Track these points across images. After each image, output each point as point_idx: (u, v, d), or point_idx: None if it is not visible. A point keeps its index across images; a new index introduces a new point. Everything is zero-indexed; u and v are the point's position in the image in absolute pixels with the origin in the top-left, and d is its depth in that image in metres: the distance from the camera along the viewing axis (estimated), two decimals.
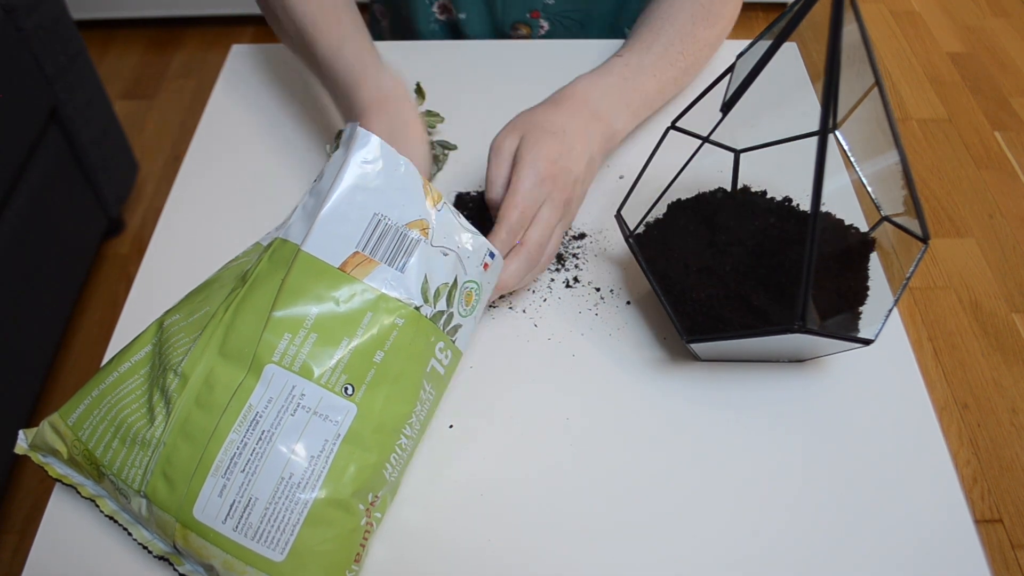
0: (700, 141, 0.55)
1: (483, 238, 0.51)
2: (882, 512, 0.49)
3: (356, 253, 0.45)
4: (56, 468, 0.48)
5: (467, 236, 0.50)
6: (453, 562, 0.47)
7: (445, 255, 0.48)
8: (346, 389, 0.44)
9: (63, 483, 0.48)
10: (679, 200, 0.57)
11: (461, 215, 0.50)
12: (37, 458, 0.48)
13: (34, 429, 0.48)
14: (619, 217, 0.57)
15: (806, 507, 0.49)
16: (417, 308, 0.46)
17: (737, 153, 0.57)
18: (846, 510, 0.49)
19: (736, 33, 0.75)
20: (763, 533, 0.48)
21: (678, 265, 0.53)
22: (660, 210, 0.58)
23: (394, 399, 0.45)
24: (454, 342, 0.49)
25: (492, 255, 0.52)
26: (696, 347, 0.53)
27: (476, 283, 0.50)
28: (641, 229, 0.57)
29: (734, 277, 0.52)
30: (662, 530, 0.48)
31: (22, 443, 0.48)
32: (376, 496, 0.45)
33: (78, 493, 0.48)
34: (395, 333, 0.45)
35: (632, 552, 0.48)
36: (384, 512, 0.47)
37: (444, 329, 0.48)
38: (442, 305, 0.48)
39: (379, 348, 0.45)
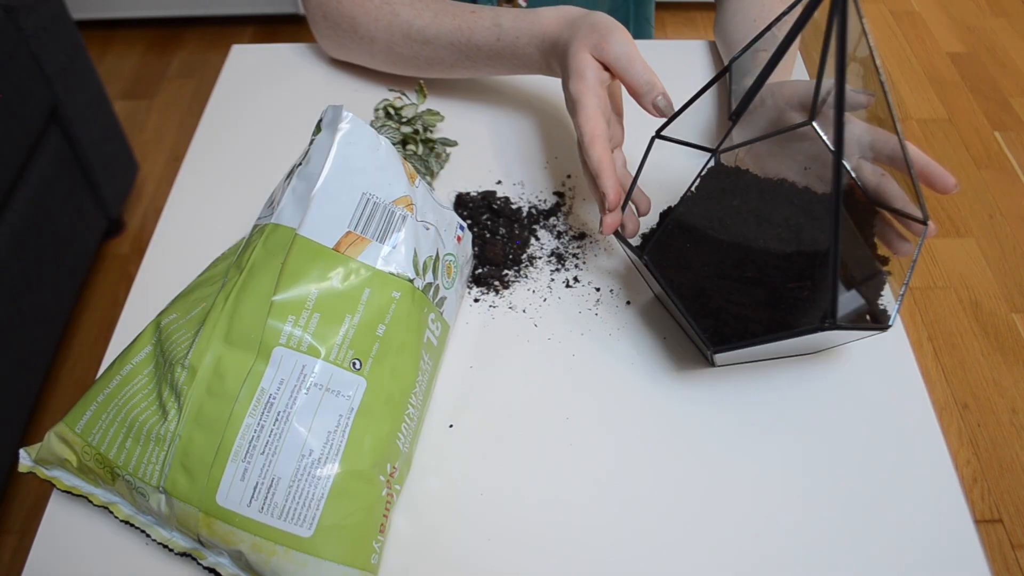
0: (708, 154, 0.55)
1: (453, 212, 0.54)
2: (882, 512, 0.49)
3: (349, 232, 0.46)
4: (64, 481, 0.47)
5: (441, 211, 0.53)
6: (453, 561, 0.47)
7: (427, 229, 0.50)
8: (354, 364, 0.45)
9: (73, 495, 0.48)
10: (682, 209, 0.57)
11: (433, 190, 0.52)
12: (43, 473, 0.48)
13: (37, 445, 0.48)
14: (618, 234, 0.56)
15: (805, 507, 0.49)
16: (411, 280, 0.48)
17: (715, 153, 0.56)
18: (846, 510, 0.49)
19: None
20: (763, 533, 0.48)
21: (693, 276, 0.52)
22: (655, 220, 0.57)
23: (399, 370, 0.47)
24: (442, 314, 0.51)
25: (462, 228, 0.55)
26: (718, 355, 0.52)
27: (453, 255, 0.53)
28: (643, 242, 0.56)
29: (753, 280, 0.51)
30: (661, 528, 0.48)
31: (26, 461, 0.48)
32: (394, 467, 0.46)
33: (90, 503, 0.48)
34: (393, 306, 0.47)
35: (631, 550, 0.48)
36: (403, 484, 0.48)
37: (433, 300, 0.50)
38: (430, 277, 0.50)
39: (380, 322, 0.46)
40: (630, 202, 0.59)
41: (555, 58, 0.63)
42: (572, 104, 0.57)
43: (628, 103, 0.68)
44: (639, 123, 0.68)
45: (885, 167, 0.52)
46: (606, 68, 0.58)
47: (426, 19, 0.68)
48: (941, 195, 0.52)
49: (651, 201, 0.59)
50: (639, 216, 0.59)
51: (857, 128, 0.53)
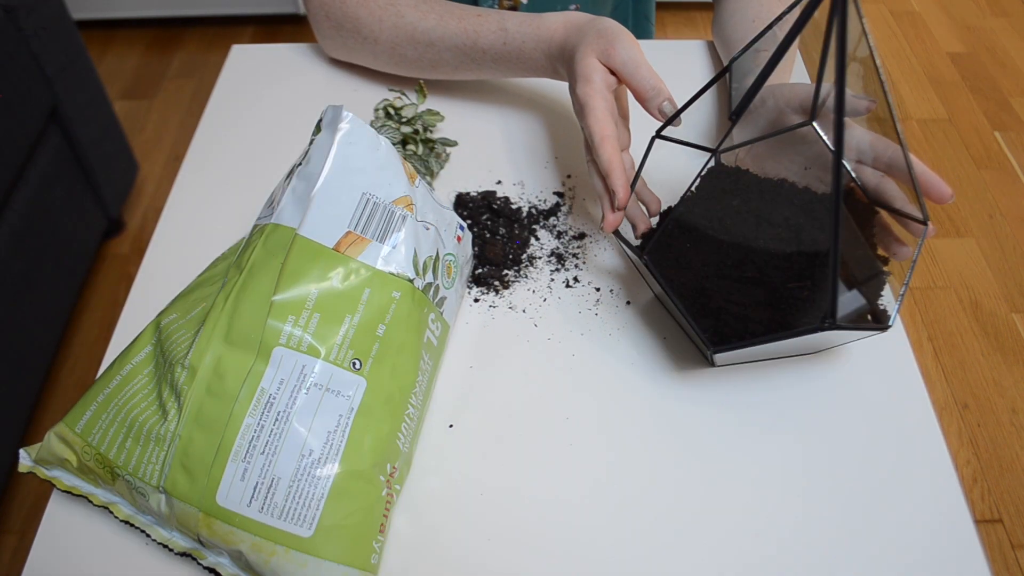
0: (708, 154, 0.55)
1: (453, 212, 0.55)
2: (882, 512, 0.49)
3: (349, 232, 0.46)
4: (64, 481, 0.48)
5: (441, 211, 0.53)
6: (453, 561, 0.47)
7: (427, 229, 0.50)
8: (354, 364, 0.45)
9: (73, 495, 0.48)
10: (682, 209, 0.57)
11: (433, 190, 0.52)
12: (43, 473, 0.48)
13: (37, 445, 0.48)
14: (617, 234, 0.56)
15: (805, 507, 0.49)
16: (411, 280, 0.48)
17: (715, 153, 0.56)
18: (846, 510, 0.49)
19: None
20: (763, 533, 0.48)
21: (693, 276, 0.52)
22: (655, 220, 0.57)
23: (399, 370, 0.47)
24: (442, 314, 0.51)
25: (462, 228, 0.55)
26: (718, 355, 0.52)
27: (453, 255, 0.53)
28: (643, 242, 0.56)
29: (753, 280, 0.51)
30: (661, 528, 0.49)
31: (26, 461, 0.48)
32: (394, 467, 0.46)
33: (90, 503, 0.48)
34: (393, 306, 0.47)
35: (631, 550, 0.48)
36: (403, 484, 0.48)
37: (433, 300, 0.50)
38: (430, 277, 0.50)
39: (380, 322, 0.46)
40: (640, 202, 0.59)
41: (561, 63, 0.63)
42: (580, 107, 0.58)
43: (632, 107, 0.68)
44: (639, 123, 0.68)
45: (883, 172, 0.53)
46: (613, 73, 0.58)
47: (431, 21, 0.68)
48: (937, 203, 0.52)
49: (661, 200, 0.59)
50: (650, 216, 0.59)
51: (856, 132, 0.53)
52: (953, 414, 1.40)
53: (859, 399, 0.54)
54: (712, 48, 0.81)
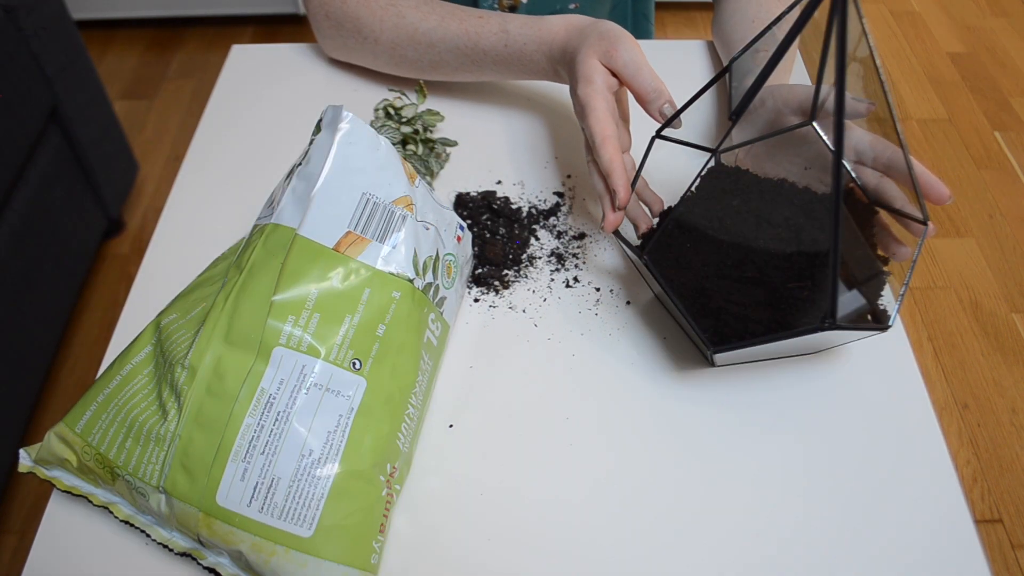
0: (708, 154, 0.55)
1: (453, 212, 0.55)
2: (882, 512, 0.49)
3: (348, 232, 0.46)
4: (64, 481, 0.48)
5: (441, 211, 0.53)
6: (453, 561, 0.47)
7: (427, 229, 0.50)
8: (354, 364, 0.45)
9: (73, 495, 0.48)
10: (682, 209, 0.57)
11: (433, 190, 0.52)
12: (43, 473, 0.48)
13: (37, 445, 0.48)
14: (618, 234, 0.56)
15: (806, 507, 0.49)
16: (411, 280, 0.48)
17: (715, 153, 0.56)
18: (846, 510, 0.49)
19: None
20: (763, 533, 0.48)
21: (693, 276, 0.52)
22: (655, 220, 0.57)
23: (399, 370, 0.47)
24: (442, 314, 0.52)
25: (462, 228, 0.55)
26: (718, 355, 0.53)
27: (453, 255, 0.53)
28: (643, 242, 0.56)
29: (753, 280, 0.51)
30: (661, 528, 0.49)
31: (26, 461, 0.48)
32: (394, 467, 0.46)
33: (90, 503, 0.48)
34: (393, 306, 0.47)
35: (631, 550, 0.48)
36: (403, 484, 0.48)
37: (433, 300, 0.50)
38: (430, 277, 0.50)
39: (380, 322, 0.46)
40: (641, 202, 0.59)
41: (563, 65, 0.63)
42: (580, 108, 0.58)
43: (633, 109, 0.68)
44: (640, 124, 0.67)
45: (883, 172, 0.53)
46: (614, 75, 0.58)
47: (432, 22, 0.68)
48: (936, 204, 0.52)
49: (663, 201, 0.60)
50: (652, 216, 0.59)
51: (856, 132, 0.53)
52: (953, 414, 1.40)
53: (859, 399, 0.54)
54: (712, 48, 0.81)
